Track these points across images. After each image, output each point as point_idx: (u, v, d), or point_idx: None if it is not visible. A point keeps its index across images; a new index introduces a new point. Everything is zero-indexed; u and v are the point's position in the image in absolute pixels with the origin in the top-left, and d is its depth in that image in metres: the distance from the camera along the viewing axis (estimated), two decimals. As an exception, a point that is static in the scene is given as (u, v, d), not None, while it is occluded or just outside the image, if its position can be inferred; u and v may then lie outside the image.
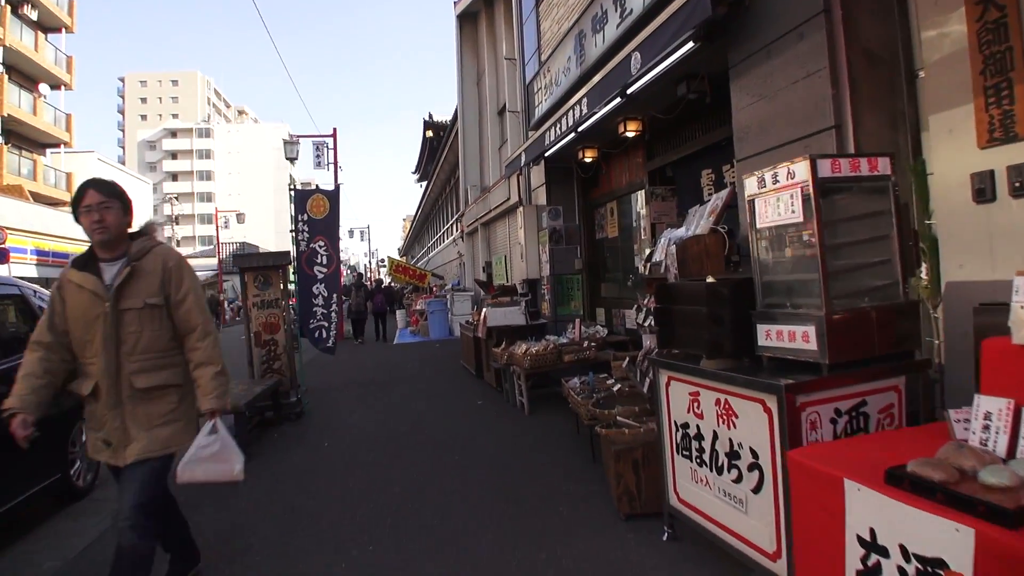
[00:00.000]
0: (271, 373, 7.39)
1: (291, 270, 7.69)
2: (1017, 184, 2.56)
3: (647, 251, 5.59)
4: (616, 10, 6.20)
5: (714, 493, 2.88)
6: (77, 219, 2.72)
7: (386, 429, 6.50)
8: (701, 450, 2.95)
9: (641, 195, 7.85)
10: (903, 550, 1.68)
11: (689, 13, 4.15)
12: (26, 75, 26.08)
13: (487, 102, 16.55)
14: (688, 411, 3.02)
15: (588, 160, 8.41)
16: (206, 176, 74.30)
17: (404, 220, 75.80)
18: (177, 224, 46.92)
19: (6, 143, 24.00)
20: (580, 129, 6.85)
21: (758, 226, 2.70)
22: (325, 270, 8.00)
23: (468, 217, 18.00)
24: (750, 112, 4.54)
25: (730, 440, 2.72)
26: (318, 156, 17.91)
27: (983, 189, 2.69)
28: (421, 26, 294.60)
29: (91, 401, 2.79)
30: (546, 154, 8.32)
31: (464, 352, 10.59)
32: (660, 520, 3.43)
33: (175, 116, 79.20)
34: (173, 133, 74.94)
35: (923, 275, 2.97)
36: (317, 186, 8.21)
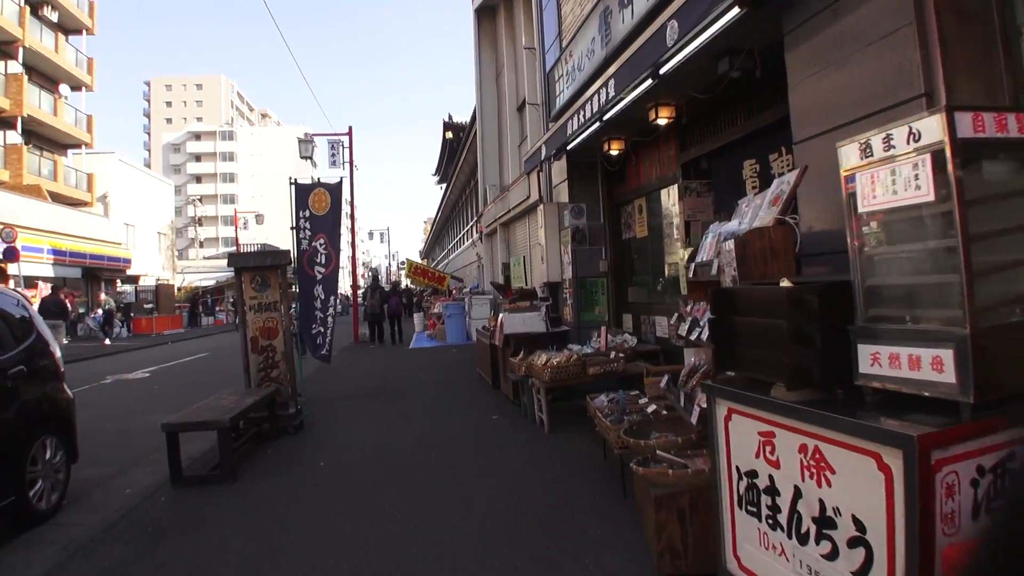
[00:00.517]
0: (268, 382, 6.76)
1: (290, 270, 7.04)
2: None
3: (685, 251, 4.88)
4: (648, -22, 5.49)
5: (792, 568, 2.16)
6: None
7: (389, 448, 5.83)
8: (775, 508, 2.23)
9: (673, 190, 7.11)
10: None
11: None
12: (47, 76, 26.15)
13: (506, 98, 15.94)
14: (757, 456, 2.30)
15: (614, 153, 7.68)
16: (229, 178, 74.96)
17: (425, 223, 75.50)
18: (200, 225, 47.06)
19: (27, 143, 23.99)
20: (606, 117, 6.16)
21: (861, 210, 1.98)
22: (324, 270, 7.36)
23: (487, 218, 17.38)
24: (812, 85, 3.80)
25: (821, 501, 2.00)
26: (333, 155, 17.44)
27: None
28: (441, 28, 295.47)
29: None
30: (568, 147, 7.63)
31: (480, 359, 9.93)
32: (712, 587, 2.70)
33: (199, 119, 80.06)
34: (197, 136, 75.78)
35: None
36: (318, 179, 7.54)
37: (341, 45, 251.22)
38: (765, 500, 2.28)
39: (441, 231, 44.15)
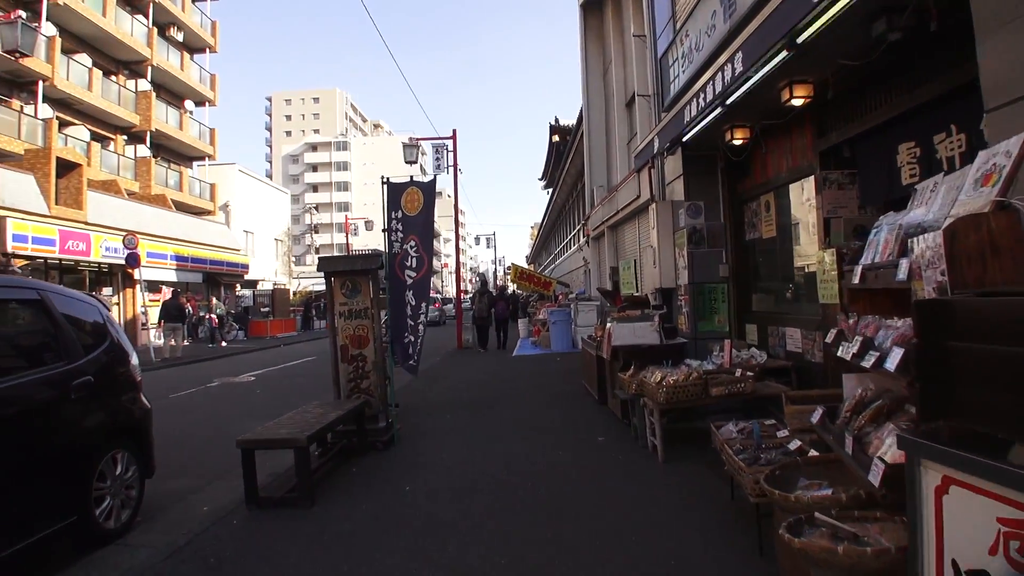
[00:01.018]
0: (359, 393, 6.46)
1: (382, 275, 6.69)
2: None
3: (824, 252, 4.02)
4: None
5: None
6: None
7: (482, 475, 5.28)
8: (1027, 637, 1.46)
9: (809, 183, 6.15)
10: None
11: None
12: (173, 92, 28.49)
13: (613, 95, 15.22)
14: (994, 551, 1.54)
15: (738, 142, 6.79)
16: (343, 187, 78.87)
17: (532, 228, 75.56)
18: (316, 233, 49.47)
19: (155, 156, 26.02)
20: (729, 100, 5.38)
21: None
22: (415, 274, 6.98)
23: (594, 220, 16.67)
24: (1013, 37, 2.91)
25: None
26: (438, 158, 17.46)
27: None
28: (548, 35, 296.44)
29: None
30: (684, 138, 6.85)
31: (585, 371, 9.27)
32: None
33: (316, 131, 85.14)
34: (313, 147, 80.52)
35: None
36: (411, 177, 7.16)
37: (450, 60, 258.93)
38: (1007, 620, 1.51)
39: (548, 236, 43.80)
